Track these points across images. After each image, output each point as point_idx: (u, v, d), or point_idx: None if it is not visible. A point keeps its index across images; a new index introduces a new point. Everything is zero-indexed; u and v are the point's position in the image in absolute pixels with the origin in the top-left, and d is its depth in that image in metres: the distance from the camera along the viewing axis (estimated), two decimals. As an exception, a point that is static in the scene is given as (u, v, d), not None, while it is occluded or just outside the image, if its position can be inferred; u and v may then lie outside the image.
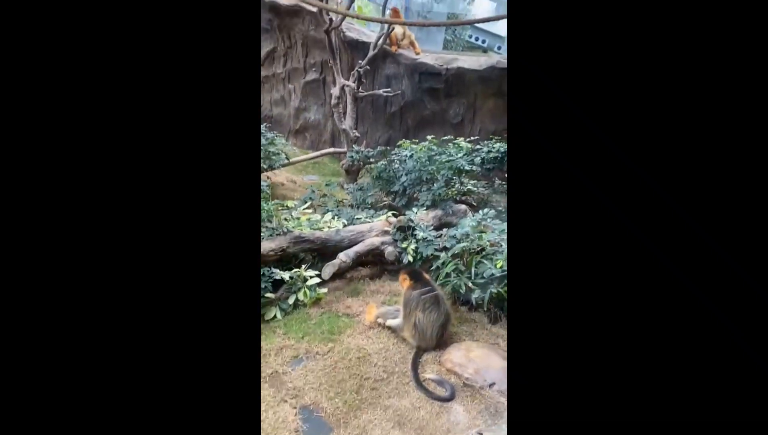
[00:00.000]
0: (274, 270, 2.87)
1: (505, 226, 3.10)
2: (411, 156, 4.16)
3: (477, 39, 8.87)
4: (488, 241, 2.90)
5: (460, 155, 4.00)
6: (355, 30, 6.22)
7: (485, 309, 2.70)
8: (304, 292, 2.85)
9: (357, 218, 3.80)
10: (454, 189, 4.07)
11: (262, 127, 4.75)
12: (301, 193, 4.84)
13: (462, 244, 2.88)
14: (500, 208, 3.89)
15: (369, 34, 6.18)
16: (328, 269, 3.05)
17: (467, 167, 3.95)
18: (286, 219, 3.48)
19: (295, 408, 2.00)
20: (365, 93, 5.70)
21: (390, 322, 2.56)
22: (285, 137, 6.46)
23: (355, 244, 3.29)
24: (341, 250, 3.20)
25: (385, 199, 4.40)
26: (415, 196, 4.14)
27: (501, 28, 8.62)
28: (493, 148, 4.27)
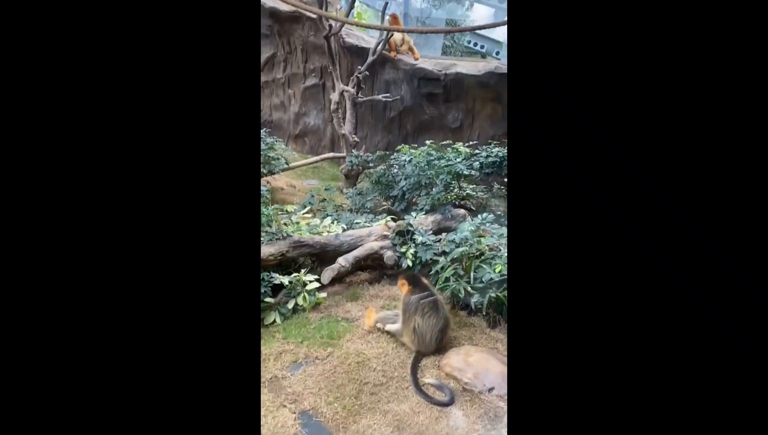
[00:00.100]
0: (273, 274, 2.87)
1: (503, 230, 3.11)
2: (410, 161, 4.18)
3: (476, 44, 8.92)
4: (487, 245, 2.90)
5: (458, 160, 4.01)
6: (355, 36, 6.26)
7: (484, 313, 2.70)
8: (304, 297, 2.85)
9: (356, 223, 3.81)
10: (453, 193, 4.08)
11: (262, 132, 4.77)
12: (301, 198, 4.84)
13: (461, 249, 2.89)
14: (499, 213, 3.90)
15: (368, 39, 6.22)
16: (328, 274, 3.05)
17: (466, 172, 3.97)
18: (285, 223, 3.49)
19: (295, 413, 1.99)
20: (364, 98, 5.73)
21: (389, 327, 2.56)
22: (285, 142, 6.48)
23: (355, 248, 3.30)
24: (340, 255, 3.20)
25: (384, 203, 4.41)
26: (414, 200, 4.15)
27: (499, 33, 8.66)
28: (492, 152, 4.29)
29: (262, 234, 3.07)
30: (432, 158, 4.08)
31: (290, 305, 2.82)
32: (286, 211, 4.08)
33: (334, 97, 5.47)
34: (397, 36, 5.91)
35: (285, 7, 6.22)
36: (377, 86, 6.27)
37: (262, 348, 2.42)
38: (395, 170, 4.37)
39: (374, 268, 3.46)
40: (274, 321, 2.72)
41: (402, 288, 2.58)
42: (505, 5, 8.99)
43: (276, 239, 3.07)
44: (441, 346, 2.44)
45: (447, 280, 2.81)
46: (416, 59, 6.06)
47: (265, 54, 6.85)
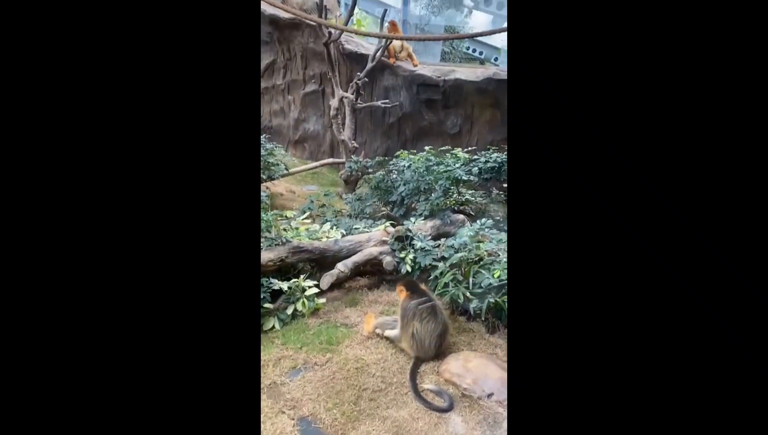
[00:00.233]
0: (272, 280, 2.88)
1: (502, 235, 3.12)
2: (409, 166, 4.20)
3: (474, 50, 8.99)
4: (486, 250, 2.91)
5: (457, 165, 4.03)
6: (354, 42, 6.31)
7: (483, 319, 2.70)
8: (303, 303, 2.85)
9: (355, 228, 3.82)
10: (451, 199, 4.09)
11: (262, 137, 4.79)
12: (300, 203, 4.86)
13: (460, 254, 2.89)
14: (498, 218, 3.91)
15: (367, 46, 6.26)
16: (327, 279, 3.05)
17: (465, 177, 3.98)
18: (285, 229, 3.49)
19: (293, 419, 1.99)
20: (364, 104, 5.76)
21: (388, 333, 2.56)
22: (284, 148, 6.51)
23: (354, 254, 3.30)
24: (340, 260, 3.20)
25: (383, 209, 4.42)
26: (413, 206, 4.16)
27: (498, 39, 8.73)
28: (491, 158, 4.31)
29: (261, 239, 3.07)
30: (431, 164, 4.10)
31: (289, 311, 2.81)
32: (286, 216, 4.08)
33: (334, 103, 5.50)
34: (396, 42, 5.96)
35: (285, 15, 6.28)
36: (376, 92, 6.30)
37: (261, 354, 2.41)
38: (394, 176, 4.38)
39: (373, 273, 3.46)
40: (273, 327, 2.71)
41: (400, 294, 2.58)
42: (502, 12, 9.07)
43: (275, 245, 3.07)
44: (440, 351, 2.43)
45: (446, 285, 2.81)
46: (415, 65, 6.11)
47: (265, 60, 6.89)
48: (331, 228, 3.80)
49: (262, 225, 3.15)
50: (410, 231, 3.37)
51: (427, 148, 4.39)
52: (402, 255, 3.26)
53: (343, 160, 5.57)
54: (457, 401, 2.12)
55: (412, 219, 3.73)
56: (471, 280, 2.76)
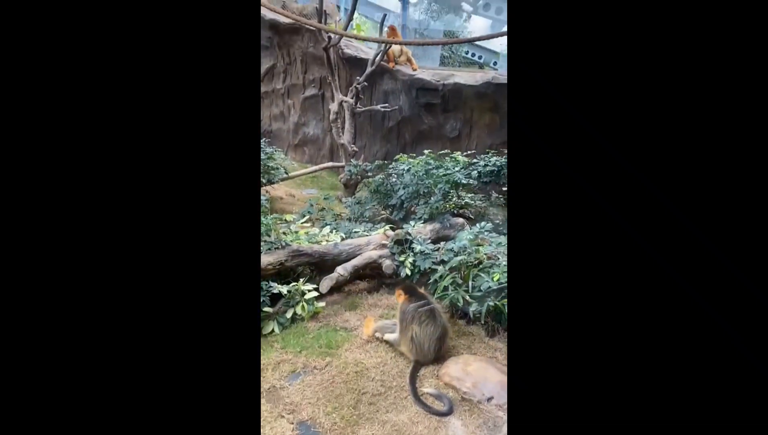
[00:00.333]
0: (272, 284, 2.87)
1: (501, 239, 3.12)
2: (408, 170, 4.21)
3: (473, 55, 9.03)
4: (485, 254, 2.91)
5: (457, 169, 4.04)
6: (353, 47, 6.34)
7: (483, 322, 2.69)
8: (302, 306, 2.85)
9: (355, 232, 3.82)
10: (451, 202, 4.10)
11: (262, 141, 4.80)
12: (300, 207, 4.86)
13: (459, 258, 2.89)
14: (497, 221, 3.92)
15: (367, 50, 6.30)
16: (326, 283, 3.05)
17: (464, 181, 3.99)
18: (284, 233, 3.50)
19: (293, 423, 1.98)
20: (363, 108, 5.78)
21: (388, 337, 2.56)
22: (284, 152, 6.53)
23: (353, 257, 3.30)
24: (339, 264, 3.20)
25: (382, 212, 4.42)
26: (412, 209, 4.16)
27: (497, 44, 8.78)
28: (490, 161, 4.32)
29: (261, 243, 3.07)
30: (430, 167, 4.11)
31: (289, 315, 2.81)
32: (285, 220, 4.08)
33: (333, 107, 5.52)
34: (396, 47, 5.99)
35: (285, 19, 6.31)
36: (376, 96, 6.33)
37: (260, 358, 2.41)
38: (394, 179, 4.39)
39: (373, 277, 3.46)
40: (273, 331, 2.71)
41: (399, 298, 2.59)
42: (501, 17, 9.12)
43: (275, 248, 3.07)
44: (440, 355, 2.43)
45: (445, 288, 2.81)
46: (414, 70, 6.14)
47: (265, 65, 6.92)
48: (331, 231, 3.80)
49: (262, 229, 3.16)
50: (410, 234, 3.37)
51: (426, 151, 4.40)
52: (401, 258, 3.26)
53: (343, 163, 5.59)
54: (456, 405, 2.11)
55: (412, 222, 3.73)
56: (470, 283, 2.76)
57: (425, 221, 3.85)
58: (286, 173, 5.07)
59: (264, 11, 5.88)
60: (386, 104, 5.97)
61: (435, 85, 5.99)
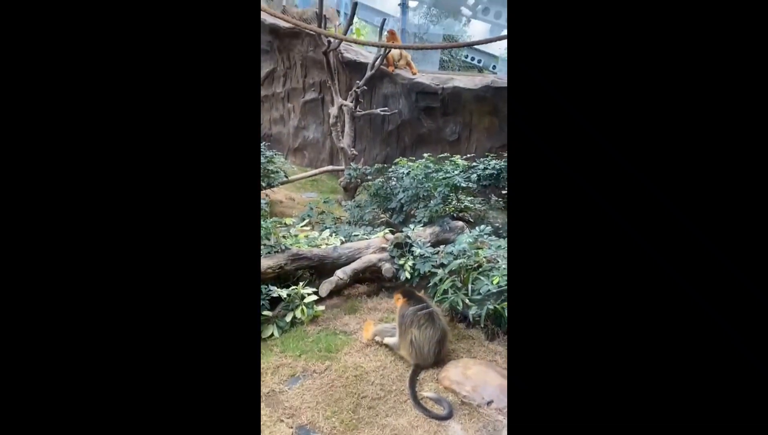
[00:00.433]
0: (271, 287, 2.87)
1: (501, 242, 3.13)
2: (408, 173, 4.22)
3: (472, 59, 9.07)
4: (485, 257, 2.91)
5: (456, 172, 4.05)
6: (353, 51, 6.36)
7: (482, 326, 2.69)
8: (302, 310, 2.84)
9: (354, 235, 3.82)
10: (450, 206, 4.10)
11: (262, 145, 4.81)
12: (300, 211, 4.86)
13: (459, 261, 2.89)
14: (497, 225, 3.92)
15: (366, 54, 6.32)
16: (326, 286, 3.05)
17: (464, 184, 4.00)
18: (284, 236, 3.50)
19: (292, 428, 1.97)
20: (363, 112, 5.80)
21: (387, 340, 2.55)
22: (284, 155, 6.55)
23: (353, 261, 3.30)
24: (339, 267, 3.20)
25: (382, 215, 4.43)
26: (412, 212, 4.17)
27: (496, 48, 8.83)
28: (489, 165, 4.33)
29: (261, 247, 3.07)
30: (430, 171, 4.12)
31: (288, 318, 2.80)
32: (285, 223, 4.09)
33: (333, 111, 5.54)
34: (395, 51, 6.02)
35: (285, 24, 6.34)
36: (375, 100, 6.35)
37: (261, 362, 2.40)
38: (393, 183, 4.40)
39: (372, 280, 3.46)
40: (272, 334, 2.70)
41: (397, 302, 2.59)
42: (500, 21, 9.16)
43: (274, 252, 3.07)
44: (439, 358, 2.43)
45: (445, 292, 2.81)
46: (414, 74, 6.16)
47: (265, 69, 6.95)
48: (331, 235, 3.80)
49: (262, 232, 3.16)
50: (409, 238, 3.37)
51: (425, 155, 4.41)
52: (401, 262, 3.26)
53: (343, 167, 5.60)
54: (456, 409, 2.11)
55: (411, 226, 3.74)
56: (470, 286, 2.75)
57: (425, 224, 3.86)
58: (286, 177, 5.08)
59: (264, 16, 5.90)
60: (386, 108, 5.99)
61: (434, 89, 6.01)
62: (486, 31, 9.77)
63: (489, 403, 2.11)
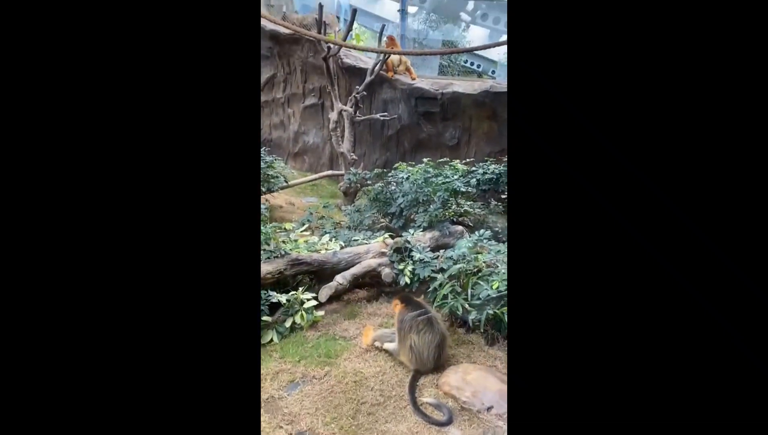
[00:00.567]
0: (271, 293, 2.86)
1: (501, 246, 3.12)
2: (407, 178, 4.22)
3: (472, 64, 9.11)
4: (484, 262, 2.91)
5: (456, 177, 4.05)
6: (353, 57, 6.39)
7: (482, 330, 2.68)
8: (301, 315, 2.84)
9: (354, 240, 3.82)
10: (450, 210, 4.10)
11: (262, 150, 4.82)
12: (300, 215, 4.86)
13: (458, 266, 2.89)
14: (496, 229, 3.92)
15: (366, 60, 6.35)
16: (325, 291, 3.04)
17: (463, 189, 4.00)
18: (283, 241, 3.49)
19: (291, 434, 1.96)
20: (362, 117, 5.81)
21: (387, 346, 2.54)
22: (284, 160, 6.56)
23: (352, 266, 3.29)
24: (338, 272, 3.20)
25: (382, 220, 4.43)
26: (411, 217, 4.17)
27: (495, 53, 8.87)
28: (489, 169, 4.34)
29: (260, 252, 3.07)
30: (429, 175, 4.12)
31: (288, 324, 2.80)
32: (285, 228, 4.08)
33: (333, 116, 5.55)
34: (395, 56, 6.04)
35: (285, 30, 6.37)
36: (375, 105, 6.37)
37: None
38: (393, 187, 4.40)
39: (372, 285, 3.45)
40: (271, 340, 2.69)
41: (395, 308, 2.59)
42: (499, 27, 9.22)
43: (274, 257, 3.07)
44: (439, 363, 2.42)
45: (445, 297, 2.80)
46: (413, 79, 6.18)
47: (265, 74, 6.97)
48: (330, 240, 3.80)
49: (261, 237, 3.16)
50: (409, 242, 3.37)
51: (425, 159, 4.42)
52: (401, 266, 3.26)
53: (342, 172, 5.60)
54: (456, 414, 2.10)
55: (411, 230, 3.73)
56: (470, 291, 2.75)
57: (424, 229, 3.86)
58: (286, 182, 5.08)
59: (264, 22, 5.94)
60: (385, 113, 6.00)
61: (434, 94, 6.03)
62: (485, 36, 9.83)
63: (489, 408, 2.10)
